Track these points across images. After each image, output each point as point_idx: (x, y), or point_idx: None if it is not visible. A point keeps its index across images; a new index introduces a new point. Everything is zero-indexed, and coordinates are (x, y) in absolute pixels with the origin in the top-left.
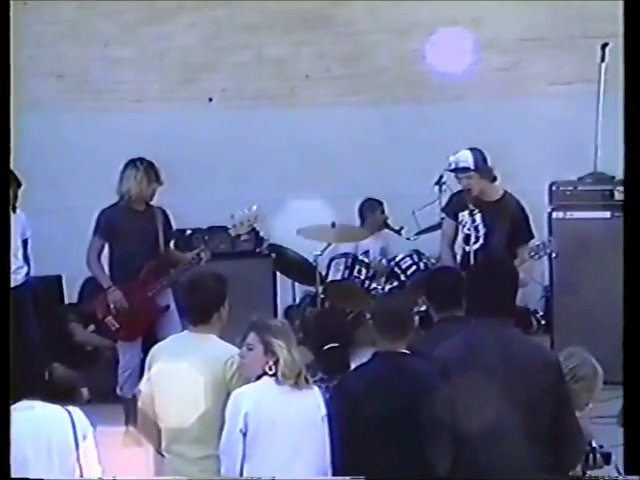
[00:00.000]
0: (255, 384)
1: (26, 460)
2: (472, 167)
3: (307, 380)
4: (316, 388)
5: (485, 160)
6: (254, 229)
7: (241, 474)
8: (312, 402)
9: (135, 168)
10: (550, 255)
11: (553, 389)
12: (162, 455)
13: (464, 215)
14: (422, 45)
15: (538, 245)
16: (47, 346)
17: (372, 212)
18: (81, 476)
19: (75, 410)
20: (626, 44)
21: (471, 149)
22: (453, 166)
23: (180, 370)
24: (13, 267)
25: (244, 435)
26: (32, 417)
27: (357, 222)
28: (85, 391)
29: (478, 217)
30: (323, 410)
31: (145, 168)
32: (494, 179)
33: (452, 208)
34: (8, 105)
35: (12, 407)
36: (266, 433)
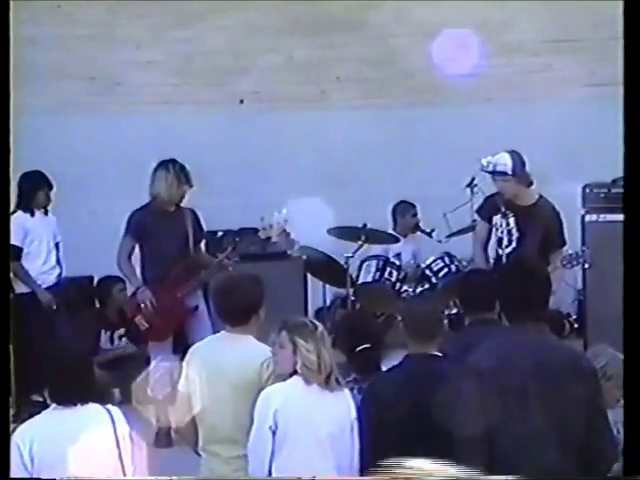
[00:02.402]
0: (285, 383)
1: (68, 458)
2: (510, 172)
3: (338, 382)
4: (347, 391)
5: (523, 165)
6: (284, 231)
7: (269, 472)
8: (342, 404)
9: (166, 170)
10: (583, 265)
11: (589, 398)
12: (198, 454)
13: (498, 218)
14: (451, 48)
15: (571, 254)
16: (79, 346)
17: (404, 215)
18: (124, 475)
19: (114, 409)
20: (626, 45)
21: (510, 152)
22: (491, 168)
23: (217, 371)
24: (45, 268)
25: (273, 433)
26: (73, 416)
27: (389, 224)
28: (117, 392)
29: (512, 221)
30: (353, 413)
31: (176, 170)
32: (530, 184)
33: (486, 211)
34: (8, 107)
35: (52, 406)
36: (294, 431)
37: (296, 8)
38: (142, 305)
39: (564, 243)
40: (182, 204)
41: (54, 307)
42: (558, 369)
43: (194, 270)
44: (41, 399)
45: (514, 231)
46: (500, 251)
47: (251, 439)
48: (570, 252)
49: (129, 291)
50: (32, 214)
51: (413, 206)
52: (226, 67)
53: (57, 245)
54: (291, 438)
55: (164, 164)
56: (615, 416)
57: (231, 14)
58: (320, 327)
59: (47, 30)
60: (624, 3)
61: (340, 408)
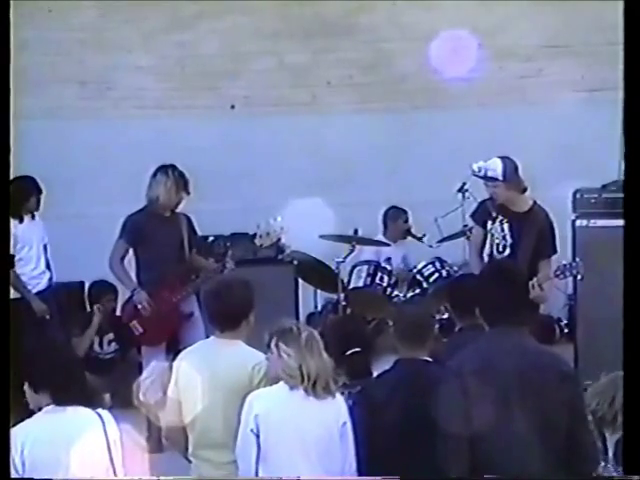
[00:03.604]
0: (270, 388)
1: (59, 462)
2: (500, 178)
3: (327, 389)
4: (339, 396)
5: (516, 170)
6: (280, 239)
7: (256, 475)
8: (330, 409)
9: (166, 175)
10: (576, 276)
11: (568, 401)
12: (188, 460)
13: (492, 224)
14: (443, 52)
15: (565, 265)
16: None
17: (395, 220)
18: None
19: (105, 413)
20: (626, 49)
21: (502, 158)
22: (482, 173)
23: (207, 376)
24: (36, 273)
25: (257, 436)
26: (65, 420)
27: (379, 229)
28: (107, 397)
29: (506, 227)
30: (343, 417)
31: (175, 177)
32: (523, 191)
33: (481, 216)
34: (8, 108)
35: (43, 409)
36: (277, 437)
37: (288, 12)
38: (137, 307)
39: (555, 252)
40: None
41: (47, 316)
42: (540, 375)
43: (189, 276)
44: (29, 403)
45: (508, 237)
46: (494, 257)
47: (237, 442)
48: (564, 263)
49: (122, 295)
50: (21, 220)
51: (404, 212)
52: (219, 71)
53: (45, 249)
54: (274, 443)
55: (164, 169)
56: None
57: (223, 18)
58: (306, 333)
59: (38, 34)
60: (624, 5)
61: (327, 415)
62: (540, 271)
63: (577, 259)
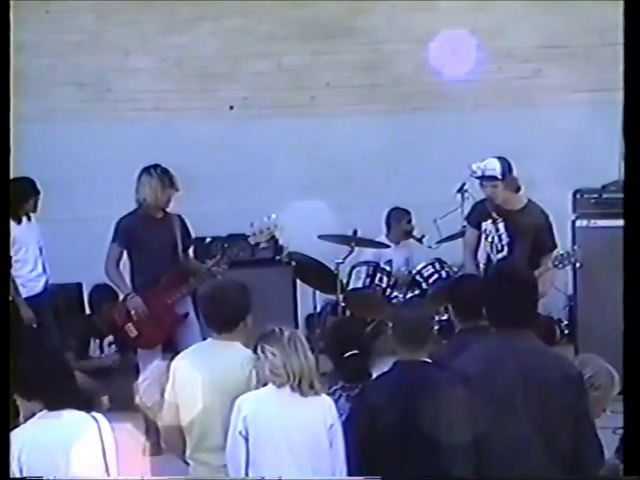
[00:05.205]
0: (258, 390)
1: (57, 466)
2: (499, 176)
3: (313, 388)
4: (325, 397)
5: (511, 170)
6: (273, 237)
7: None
8: (317, 410)
9: (149, 175)
10: (574, 264)
11: (573, 403)
12: (186, 463)
13: (487, 224)
14: (441, 54)
15: (562, 254)
16: (68, 353)
17: (399, 222)
18: None
19: (100, 416)
20: (626, 50)
21: (498, 158)
22: (479, 173)
23: (204, 379)
24: (33, 275)
25: (246, 439)
26: (61, 424)
27: (379, 231)
28: (105, 399)
29: (501, 226)
30: (331, 419)
31: (159, 175)
32: (518, 189)
33: (475, 217)
34: (8, 110)
35: (37, 415)
36: (266, 437)
37: (286, 14)
38: (132, 312)
39: (555, 246)
40: (170, 210)
41: (34, 324)
42: (546, 376)
43: (183, 277)
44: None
45: (504, 236)
46: (492, 257)
47: (227, 444)
48: (561, 252)
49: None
50: (19, 221)
51: (408, 213)
52: (216, 73)
53: (41, 251)
54: (262, 444)
55: (147, 169)
56: (601, 423)
57: (221, 20)
58: (288, 332)
59: (35, 36)
60: (624, 5)
61: (314, 415)
62: (541, 266)
63: (575, 247)
